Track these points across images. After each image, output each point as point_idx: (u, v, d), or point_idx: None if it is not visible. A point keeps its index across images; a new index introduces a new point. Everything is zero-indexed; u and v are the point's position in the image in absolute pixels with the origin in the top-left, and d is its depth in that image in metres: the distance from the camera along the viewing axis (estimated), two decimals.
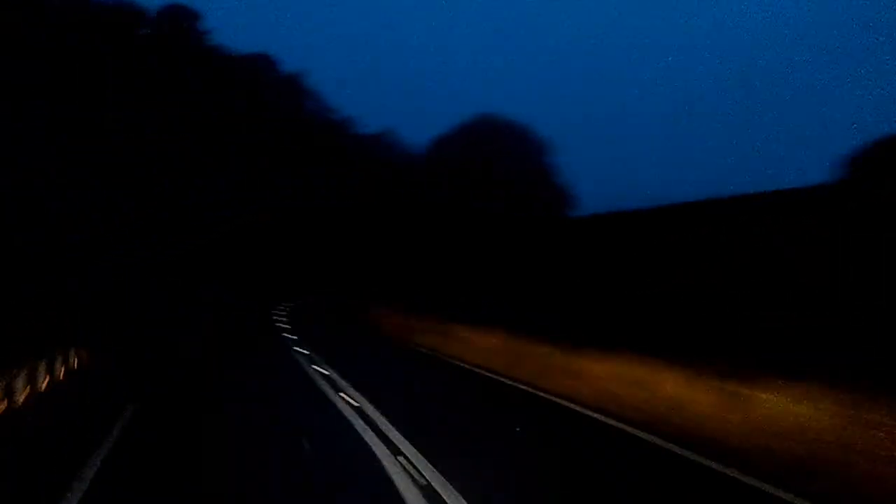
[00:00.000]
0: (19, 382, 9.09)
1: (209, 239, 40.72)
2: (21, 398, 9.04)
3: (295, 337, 20.84)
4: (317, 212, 61.51)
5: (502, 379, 13.84)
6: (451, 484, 6.11)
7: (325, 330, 26.53)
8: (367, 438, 7.91)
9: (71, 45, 33.20)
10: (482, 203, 70.44)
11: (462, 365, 16.11)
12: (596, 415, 9.95)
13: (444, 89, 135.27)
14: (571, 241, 23.52)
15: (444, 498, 5.76)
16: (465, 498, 5.76)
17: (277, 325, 25.87)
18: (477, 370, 15.19)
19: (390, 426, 8.53)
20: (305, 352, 16.91)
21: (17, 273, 21.46)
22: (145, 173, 35.67)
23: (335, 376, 12.89)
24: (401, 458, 7.01)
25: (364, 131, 73.06)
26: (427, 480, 6.24)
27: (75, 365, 12.54)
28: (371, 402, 10.24)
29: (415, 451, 7.30)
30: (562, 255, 22.81)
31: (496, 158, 74.56)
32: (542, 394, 11.97)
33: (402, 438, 7.88)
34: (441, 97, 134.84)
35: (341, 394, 11.04)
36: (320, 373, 13.49)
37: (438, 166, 73.79)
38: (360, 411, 9.53)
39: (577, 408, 10.54)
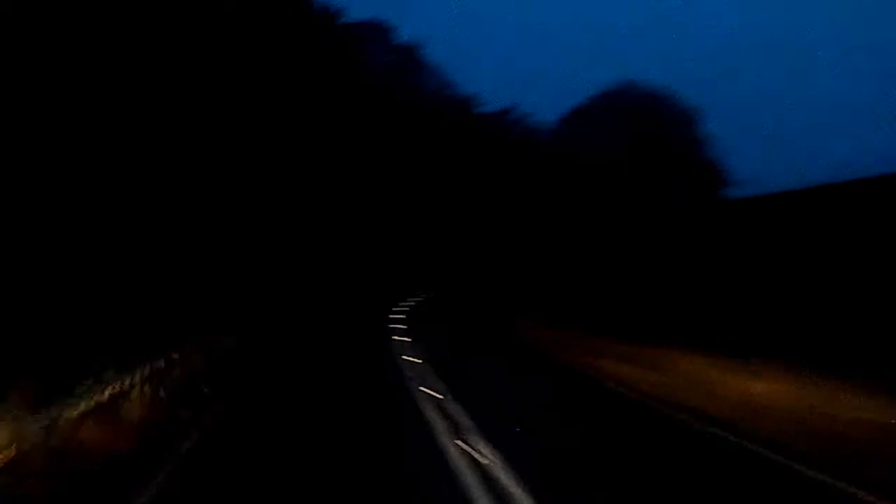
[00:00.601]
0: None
1: (307, 228, 35.93)
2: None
3: (419, 360, 14.44)
4: (437, 199, 55.59)
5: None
6: None
7: (458, 349, 18.80)
8: None
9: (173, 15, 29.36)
10: (623, 184, 61.62)
11: (712, 432, 8.72)
12: None
13: (574, 58, 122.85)
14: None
15: None
16: None
17: (395, 337, 19.71)
18: (754, 447, 7.79)
19: None
20: (437, 394, 10.50)
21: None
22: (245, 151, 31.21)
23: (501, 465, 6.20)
24: None
25: (485, 109, 66.38)
26: None
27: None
28: None
29: None
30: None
31: (637, 132, 65.24)
32: None
33: None
34: (570, 67, 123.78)
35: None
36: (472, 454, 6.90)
37: (571, 144, 65.61)
38: None
39: None
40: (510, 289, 39.60)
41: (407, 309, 32.02)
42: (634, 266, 27.95)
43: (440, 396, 10.11)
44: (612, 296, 26.67)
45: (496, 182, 59.52)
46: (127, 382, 8.64)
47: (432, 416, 8.78)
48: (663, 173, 62.17)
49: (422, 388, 10.83)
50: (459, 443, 7.26)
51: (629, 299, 24.40)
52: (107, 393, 7.91)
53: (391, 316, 27.55)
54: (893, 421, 7.94)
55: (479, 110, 64.51)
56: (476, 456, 6.71)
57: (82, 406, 7.30)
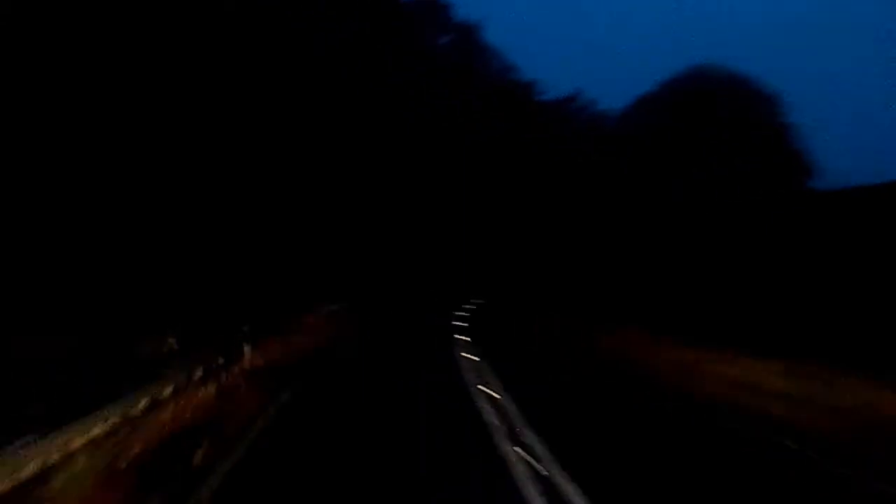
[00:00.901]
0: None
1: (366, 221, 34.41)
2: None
3: (496, 394, 11.18)
4: (495, 193, 52.00)
5: None
6: None
7: (537, 374, 14.18)
8: None
9: None
10: (699, 175, 56.76)
11: None
12: None
13: (643, 42, 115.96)
14: None
15: None
16: None
17: (463, 353, 16.56)
18: None
19: None
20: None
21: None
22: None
23: None
24: None
25: (546, 97, 62.25)
26: None
27: None
28: None
29: None
30: None
31: (715, 119, 60.02)
32: None
33: None
34: (638, 52, 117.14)
35: None
36: None
37: (641, 133, 60.88)
38: None
39: None
40: (577, 291, 35.91)
41: (469, 316, 28.86)
42: (715, 263, 25.81)
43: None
44: (698, 295, 23.63)
45: (559, 174, 55.60)
46: (312, 319, 18.89)
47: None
48: (745, 163, 56.93)
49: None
50: None
51: (718, 299, 21.58)
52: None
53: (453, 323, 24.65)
54: None
55: (542, 97, 60.55)
56: None
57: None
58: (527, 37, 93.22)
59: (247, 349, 12.16)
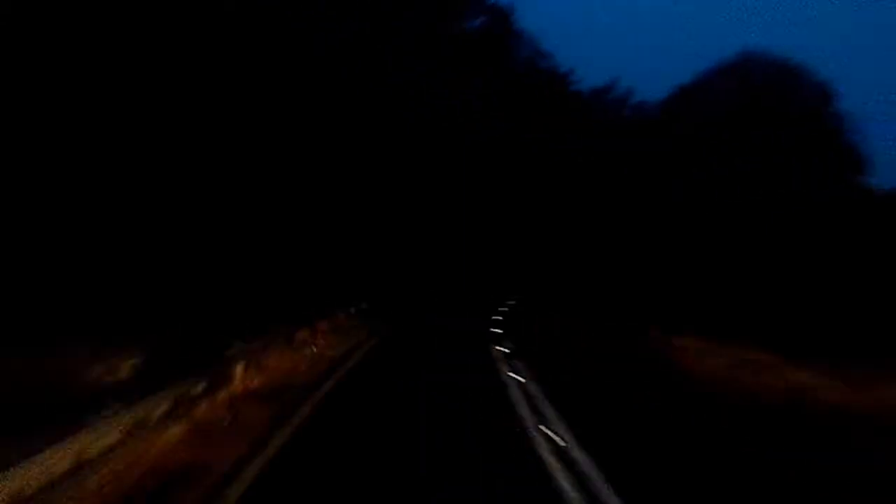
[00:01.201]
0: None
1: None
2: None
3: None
4: (526, 186, 49.34)
5: None
6: None
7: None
8: None
9: None
10: (745, 170, 53.29)
11: None
12: None
13: (685, 28, 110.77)
14: None
15: None
16: None
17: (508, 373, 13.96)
18: None
19: None
20: None
21: None
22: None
23: None
24: None
25: (582, 86, 59.21)
26: None
27: None
28: None
29: None
30: None
31: (762, 109, 56.39)
32: None
33: None
34: (679, 39, 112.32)
35: None
36: None
37: (681, 124, 57.54)
38: None
39: None
40: (622, 290, 33.29)
41: (509, 313, 26.39)
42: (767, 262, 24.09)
43: None
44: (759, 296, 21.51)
45: (594, 167, 52.69)
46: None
47: None
48: (795, 158, 53.31)
49: None
50: None
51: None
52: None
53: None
54: None
55: (576, 87, 57.58)
56: None
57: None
58: (561, 24, 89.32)
59: (238, 369, 9.84)
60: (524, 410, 9.88)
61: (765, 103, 56.48)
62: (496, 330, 21.41)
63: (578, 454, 7.50)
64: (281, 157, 29.34)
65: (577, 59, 68.10)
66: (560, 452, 7.60)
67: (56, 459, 5.31)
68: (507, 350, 16.57)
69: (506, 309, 30.21)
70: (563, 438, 8.21)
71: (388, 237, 35.02)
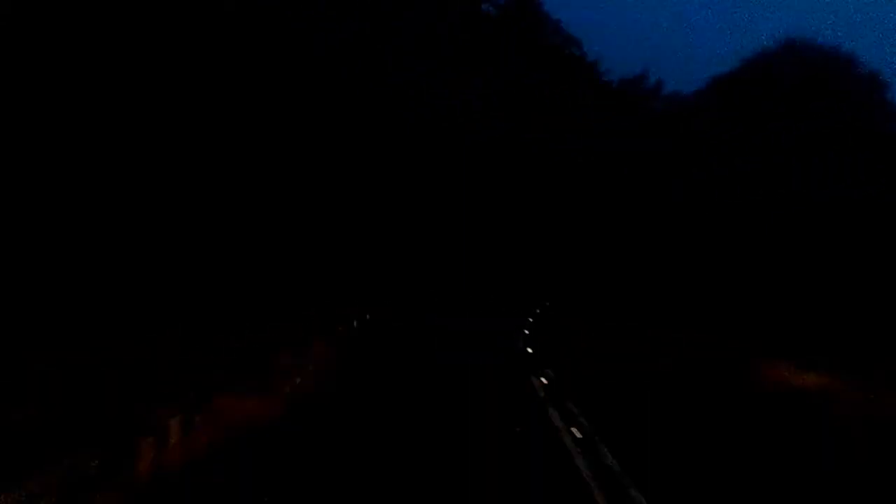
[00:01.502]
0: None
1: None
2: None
3: None
4: (550, 181, 48.28)
5: None
6: None
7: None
8: None
9: None
10: (787, 166, 50.67)
11: None
12: None
13: (721, 17, 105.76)
14: None
15: None
16: None
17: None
18: None
19: None
20: None
21: None
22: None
23: None
24: None
25: (612, 77, 57.25)
26: None
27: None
28: None
29: None
30: None
31: (806, 101, 53.30)
32: None
33: None
34: (714, 29, 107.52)
35: None
36: None
37: (719, 118, 54.96)
38: None
39: None
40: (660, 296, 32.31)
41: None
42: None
43: None
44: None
45: (625, 163, 51.01)
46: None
47: None
48: (841, 150, 50.20)
49: None
50: None
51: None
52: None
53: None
54: None
55: (606, 77, 55.86)
56: None
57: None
58: (590, 12, 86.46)
59: (173, 425, 7.00)
60: None
61: (808, 96, 53.41)
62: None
63: None
64: (281, 157, 29.77)
65: (605, 51, 65.65)
66: None
67: None
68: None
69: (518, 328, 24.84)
70: None
71: (388, 237, 35.14)
